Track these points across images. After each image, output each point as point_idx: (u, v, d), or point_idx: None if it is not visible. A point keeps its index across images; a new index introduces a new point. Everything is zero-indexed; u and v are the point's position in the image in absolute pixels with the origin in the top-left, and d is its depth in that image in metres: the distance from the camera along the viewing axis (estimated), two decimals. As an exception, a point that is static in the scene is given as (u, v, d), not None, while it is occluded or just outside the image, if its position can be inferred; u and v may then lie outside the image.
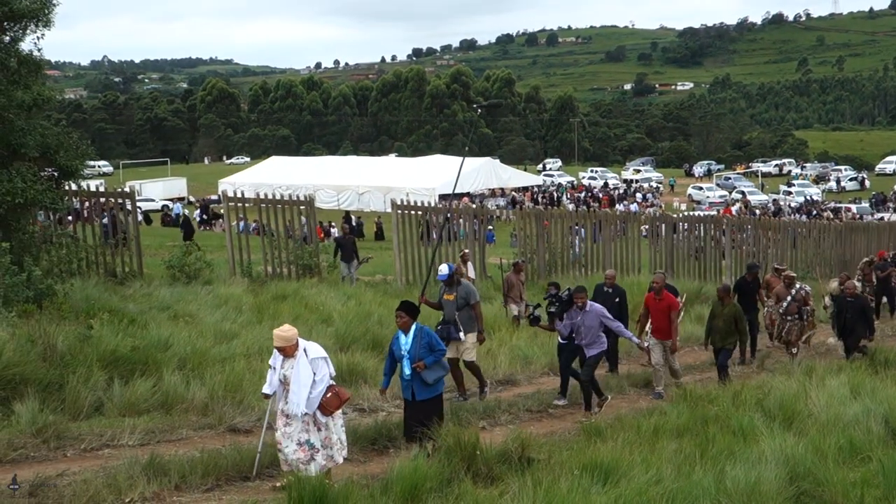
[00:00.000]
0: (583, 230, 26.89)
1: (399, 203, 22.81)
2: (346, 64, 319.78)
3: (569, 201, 57.49)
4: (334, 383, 8.74)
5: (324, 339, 14.32)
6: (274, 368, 8.71)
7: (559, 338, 12.65)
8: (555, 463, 8.87)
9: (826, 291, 18.09)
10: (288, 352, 8.56)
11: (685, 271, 25.34)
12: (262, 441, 8.95)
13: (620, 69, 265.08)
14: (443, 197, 46.72)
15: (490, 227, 24.68)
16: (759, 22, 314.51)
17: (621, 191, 68.35)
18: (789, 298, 15.55)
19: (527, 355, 14.56)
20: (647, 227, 28.56)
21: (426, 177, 53.01)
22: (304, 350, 8.62)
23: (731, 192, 65.91)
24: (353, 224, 40.50)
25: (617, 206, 54.34)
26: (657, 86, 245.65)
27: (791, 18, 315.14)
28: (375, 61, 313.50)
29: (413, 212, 23.33)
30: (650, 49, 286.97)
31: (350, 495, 7.75)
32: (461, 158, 18.59)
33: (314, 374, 8.53)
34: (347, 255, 22.35)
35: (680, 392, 12.47)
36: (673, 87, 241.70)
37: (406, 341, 9.65)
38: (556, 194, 61.92)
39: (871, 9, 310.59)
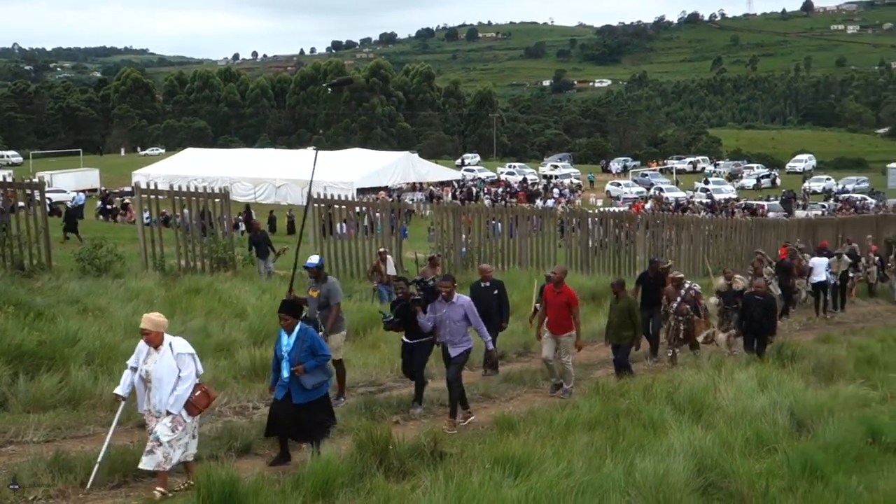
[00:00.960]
0: (499, 225, 27.04)
1: (315, 196, 22.67)
2: (265, 56, 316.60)
3: (486, 196, 57.67)
4: (201, 382, 8.50)
5: (237, 334, 14.22)
6: (132, 368, 8.37)
7: (403, 337, 11.75)
8: (467, 457, 8.87)
9: (715, 288, 17.66)
10: (153, 339, 8.23)
11: (600, 266, 25.63)
12: (106, 447, 8.50)
13: (539, 65, 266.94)
14: (361, 191, 46.59)
15: (403, 223, 24.56)
16: (675, 21, 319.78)
17: (541, 186, 68.84)
18: (679, 299, 15.40)
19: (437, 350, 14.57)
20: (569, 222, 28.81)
21: (345, 171, 52.75)
22: (170, 345, 8.31)
23: (648, 189, 66.86)
24: (256, 218, 39.89)
25: (537, 201, 54.75)
26: (575, 82, 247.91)
27: (706, 18, 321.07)
28: (294, 53, 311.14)
29: (330, 206, 23.35)
30: (569, 46, 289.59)
31: (261, 492, 7.66)
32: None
33: (179, 370, 8.23)
34: (262, 251, 22.14)
35: (592, 385, 12.58)
36: (591, 83, 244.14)
37: (288, 342, 9.22)
38: (475, 189, 62.11)
39: (784, 10, 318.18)
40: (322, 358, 9.31)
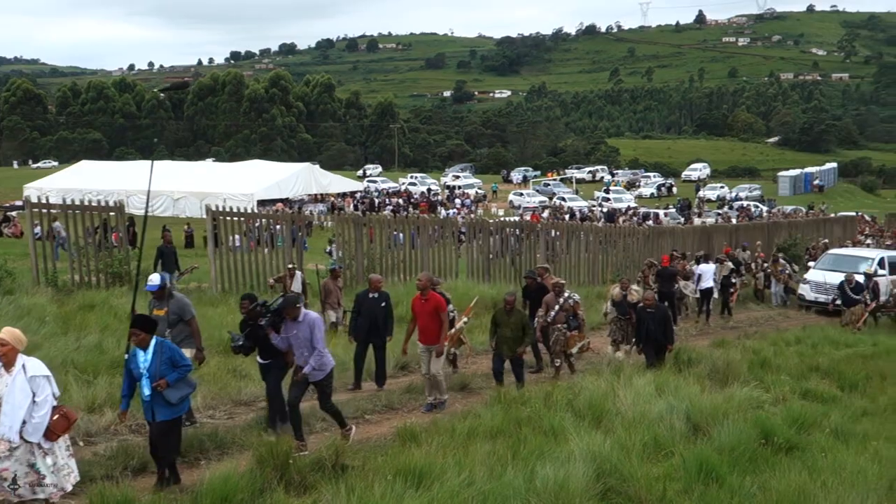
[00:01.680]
0: (401, 235, 27.05)
1: (214, 209, 22.39)
2: (161, 66, 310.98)
3: (388, 207, 57.64)
4: (59, 404, 8.09)
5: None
6: None
7: (258, 357, 11.09)
8: (369, 469, 8.84)
9: (608, 297, 17.29)
10: (9, 354, 7.76)
11: (502, 275, 25.81)
12: None
13: (440, 76, 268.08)
14: (261, 203, 46.08)
15: (300, 234, 24.35)
16: (573, 33, 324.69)
17: (444, 197, 69.10)
18: (557, 307, 15.04)
19: (343, 361, 14.44)
20: (463, 231, 28.95)
21: (244, 182, 52.10)
22: (24, 366, 7.83)
23: (550, 199, 67.58)
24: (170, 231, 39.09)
25: (443, 211, 54.93)
26: (476, 93, 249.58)
27: (604, 30, 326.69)
28: (192, 64, 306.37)
29: (230, 218, 23.07)
30: (469, 57, 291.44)
31: (157, 511, 7.52)
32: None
33: (34, 394, 7.76)
34: (168, 265, 21.72)
35: (494, 394, 12.62)
36: (491, 94, 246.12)
37: (145, 358, 8.68)
38: (376, 200, 62.03)
39: (678, 22, 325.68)
40: (184, 369, 8.89)
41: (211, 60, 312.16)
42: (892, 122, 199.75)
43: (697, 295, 23.17)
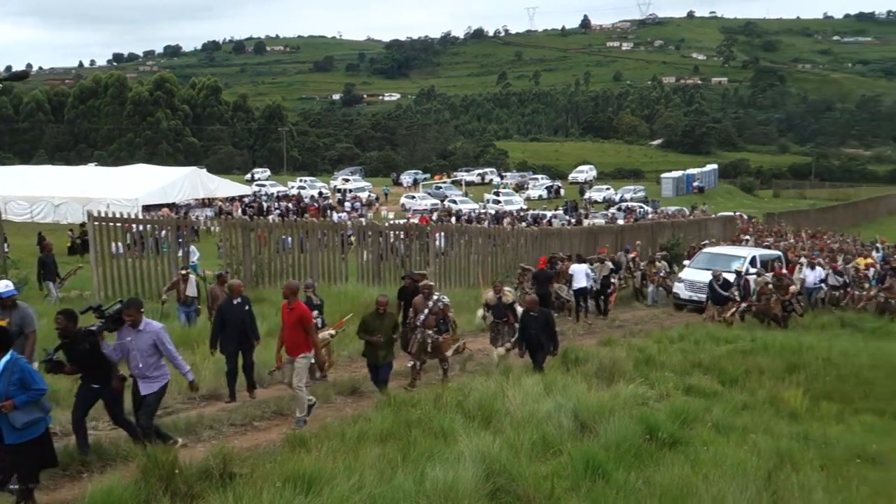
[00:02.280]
0: (290, 240, 26.82)
1: (97, 215, 21.86)
2: (41, 68, 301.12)
3: (276, 211, 57.06)
4: None
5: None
6: None
7: (85, 380, 10.08)
8: (258, 476, 8.74)
9: (484, 301, 16.90)
10: None
11: (392, 278, 25.78)
12: None
13: (329, 79, 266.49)
14: (146, 208, 45.16)
15: (181, 239, 23.91)
16: (461, 36, 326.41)
17: (334, 201, 68.72)
18: (426, 311, 14.61)
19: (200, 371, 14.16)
20: (352, 235, 28.86)
21: (129, 187, 50.94)
22: None
23: (442, 201, 67.82)
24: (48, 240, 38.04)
25: (334, 215, 54.62)
26: (365, 96, 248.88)
27: (491, 34, 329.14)
28: (73, 66, 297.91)
29: (113, 223, 22.53)
30: (358, 60, 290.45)
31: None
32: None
33: None
34: (49, 273, 21.10)
35: (384, 398, 12.60)
36: (380, 97, 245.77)
37: None
38: (265, 204, 61.35)
39: (564, 27, 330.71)
40: (36, 392, 8.27)
41: (93, 62, 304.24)
42: (769, 125, 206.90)
43: (572, 296, 23.30)
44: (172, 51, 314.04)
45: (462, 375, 15.13)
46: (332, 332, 14.19)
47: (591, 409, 11.49)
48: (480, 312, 16.72)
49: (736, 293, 23.57)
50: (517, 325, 15.55)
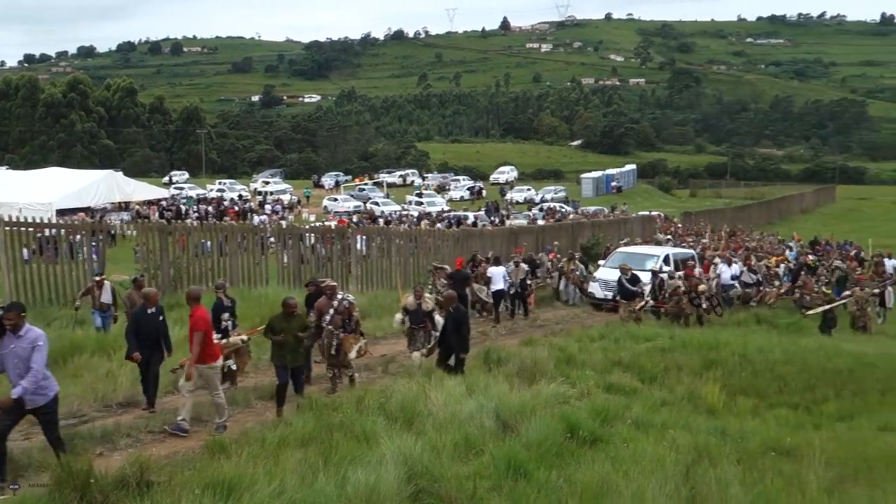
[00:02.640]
0: (209, 243, 26.49)
1: (8, 220, 21.33)
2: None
3: (195, 214, 56.27)
4: None
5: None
6: None
7: None
8: (176, 484, 8.59)
9: (402, 305, 16.60)
10: None
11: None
12: None
13: (248, 80, 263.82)
14: (61, 212, 44.15)
15: (94, 244, 23.39)
16: (381, 37, 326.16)
17: (254, 203, 68.00)
18: (332, 311, 14.40)
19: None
20: (272, 238, 28.59)
21: (42, 191, 49.74)
22: None
23: (365, 203, 67.58)
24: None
25: (255, 217, 54.04)
26: (285, 97, 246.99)
27: (411, 35, 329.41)
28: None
29: (25, 228, 22.02)
30: (277, 61, 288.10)
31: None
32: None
33: None
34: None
35: (305, 402, 12.51)
36: (300, 99, 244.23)
37: None
38: (183, 207, 60.44)
39: (484, 28, 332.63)
40: None
41: (2, 63, 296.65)
42: (685, 125, 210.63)
43: (490, 299, 23.24)
44: (86, 51, 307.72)
45: (384, 377, 15.09)
46: (245, 337, 13.94)
47: (513, 408, 11.55)
48: (398, 316, 16.36)
49: (645, 289, 23.58)
50: (434, 333, 15.44)
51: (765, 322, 24.92)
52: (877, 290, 25.77)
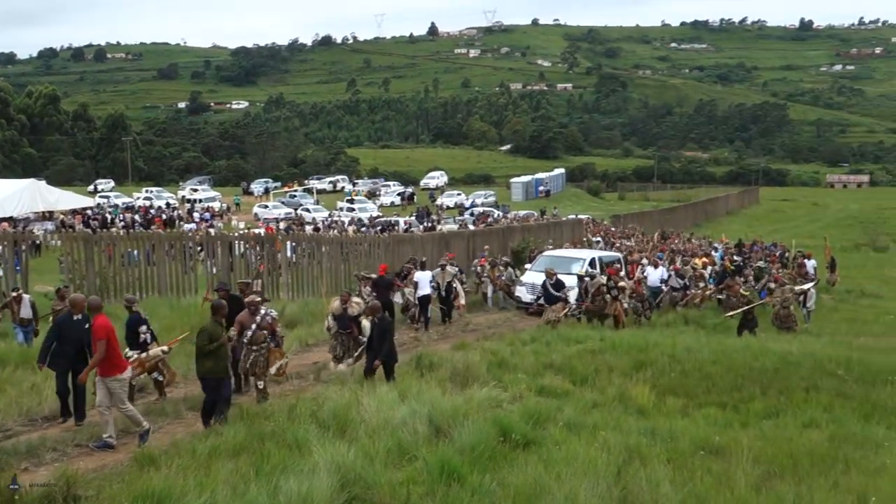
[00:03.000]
0: (136, 252, 26.08)
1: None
2: None
3: (122, 223, 55.38)
4: None
5: None
6: None
7: None
8: (104, 498, 8.50)
9: (329, 311, 16.42)
10: None
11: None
12: None
13: (174, 87, 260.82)
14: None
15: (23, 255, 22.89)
16: (309, 43, 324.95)
17: (182, 211, 67.06)
18: (254, 326, 13.86)
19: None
20: (200, 246, 28.26)
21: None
22: None
23: (296, 210, 67.03)
24: None
25: (184, 225, 53.31)
26: (212, 104, 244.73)
27: (339, 41, 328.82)
28: None
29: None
30: (204, 67, 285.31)
31: None
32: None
33: None
34: None
35: (236, 411, 12.38)
36: (228, 105, 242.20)
37: None
38: (108, 216, 59.43)
39: (412, 34, 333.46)
40: None
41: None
42: (613, 129, 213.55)
43: (416, 303, 22.94)
44: (6, 58, 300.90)
45: (316, 385, 15.00)
46: (165, 348, 13.62)
47: (446, 413, 11.57)
48: (327, 322, 16.21)
49: (570, 294, 23.51)
50: (362, 338, 15.36)
51: (693, 323, 25.26)
52: (806, 287, 26.06)
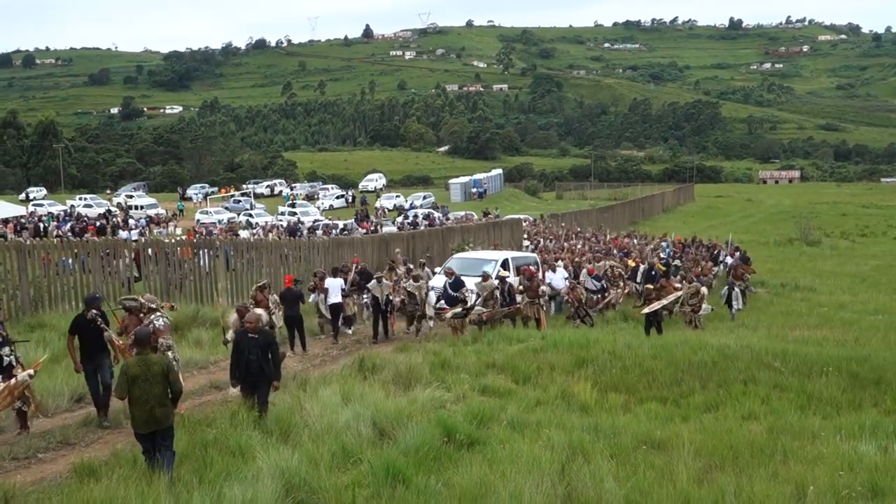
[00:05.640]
0: (70, 261, 25.64)
1: None
2: None
3: (56, 231, 54.44)
4: None
5: None
6: None
7: None
8: (43, 512, 8.32)
9: (228, 325, 15.07)
10: None
11: (182, 295, 25.09)
12: None
13: (106, 92, 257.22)
14: None
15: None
16: (243, 47, 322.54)
17: (119, 219, 66.02)
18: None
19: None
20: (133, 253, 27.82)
21: None
22: None
23: (239, 215, 66.41)
24: None
25: (121, 233, 52.48)
26: (145, 109, 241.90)
27: (274, 44, 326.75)
28: None
29: None
30: (136, 72, 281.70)
31: None
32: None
33: None
34: None
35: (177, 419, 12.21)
36: (162, 110, 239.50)
37: None
38: (41, 225, 58.36)
39: (346, 37, 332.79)
40: None
41: None
42: (549, 129, 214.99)
43: (328, 313, 21.65)
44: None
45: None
46: (31, 372, 12.20)
47: (390, 415, 11.58)
48: (228, 336, 14.77)
49: (470, 296, 21.76)
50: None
51: (632, 320, 25.45)
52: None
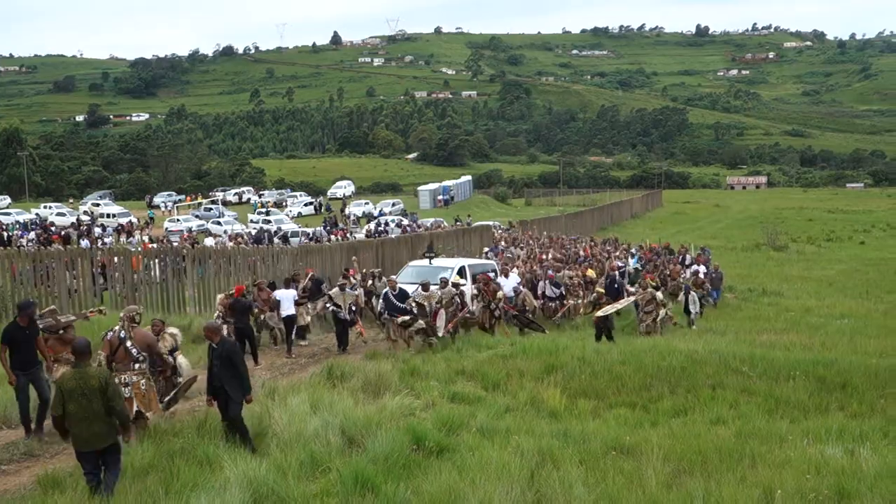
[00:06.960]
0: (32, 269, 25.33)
1: None
2: None
3: (21, 240, 53.85)
4: None
5: None
6: None
7: None
8: (7, 524, 8.20)
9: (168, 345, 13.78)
10: None
11: (151, 304, 24.87)
12: None
13: (71, 100, 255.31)
14: None
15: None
16: (210, 54, 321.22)
17: (84, 227, 65.36)
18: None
19: None
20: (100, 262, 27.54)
21: None
22: None
23: (208, 222, 65.97)
24: None
25: (84, 242, 51.98)
26: (111, 117, 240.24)
27: (241, 51, 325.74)
28: None
29: None
30: (102, 79, 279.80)
31: None
32: None
33: None
34: None
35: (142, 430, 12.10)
36: (128, 118, 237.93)
37: None
38: (6, 234, 57.71)
39: (315, 44, 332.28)
40: None
41: None
42: (518, 136, 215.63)
43: (281, 325, 20.82)
44: None
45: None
46: None
47: (359, 423, 11.52)
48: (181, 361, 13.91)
49: (412, 304, 20.63)
50: (178, 379, 13.40)
51: (581, 328, 25.33)
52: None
